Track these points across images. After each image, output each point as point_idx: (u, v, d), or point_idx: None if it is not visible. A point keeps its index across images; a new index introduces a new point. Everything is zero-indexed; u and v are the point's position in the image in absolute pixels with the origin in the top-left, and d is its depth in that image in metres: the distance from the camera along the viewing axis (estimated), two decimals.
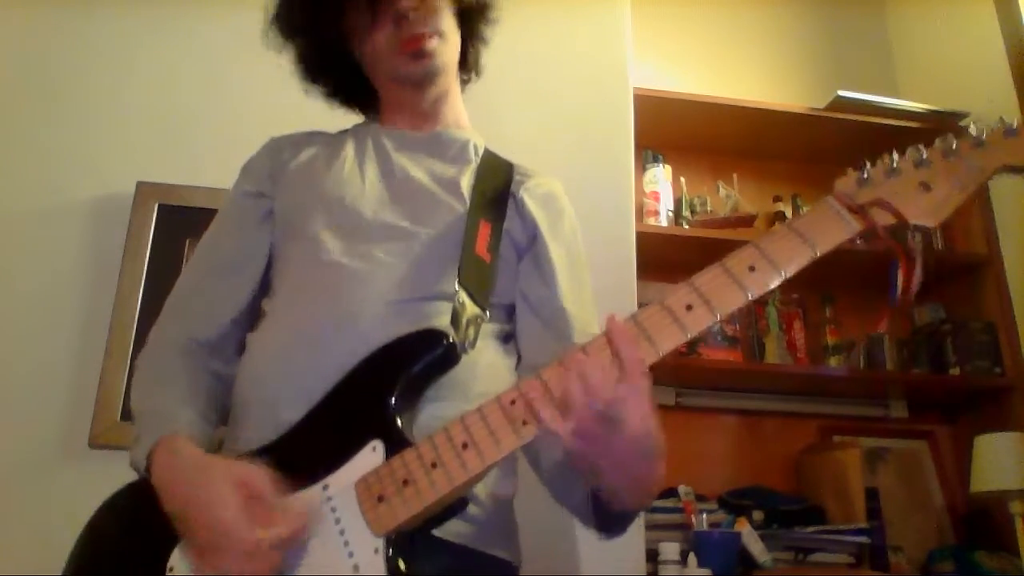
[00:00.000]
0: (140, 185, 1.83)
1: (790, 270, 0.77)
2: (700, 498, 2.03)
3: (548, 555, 1.61)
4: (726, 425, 2.35)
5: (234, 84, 1.95)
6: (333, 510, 0.80)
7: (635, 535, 1.72)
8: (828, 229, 0.78)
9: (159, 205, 1.83)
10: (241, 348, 1.03)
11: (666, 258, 2.31)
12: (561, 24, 2.16)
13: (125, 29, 2.00)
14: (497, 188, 1.09)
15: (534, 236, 1.08)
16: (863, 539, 1.97)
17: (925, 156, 0.79)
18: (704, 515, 1.95)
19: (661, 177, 2.36)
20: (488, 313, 0.99)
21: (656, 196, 2.33)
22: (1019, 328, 2.25)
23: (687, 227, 2.36)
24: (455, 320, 0.94)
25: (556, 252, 1.07)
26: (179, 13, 2.02)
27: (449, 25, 1.11)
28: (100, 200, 1.84)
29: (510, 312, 1.07)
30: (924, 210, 0.77)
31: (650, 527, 1.85)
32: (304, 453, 0.85)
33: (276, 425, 0.88)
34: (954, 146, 0.79)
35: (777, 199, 2.51)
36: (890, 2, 2.95)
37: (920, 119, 2.47)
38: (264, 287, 1.08)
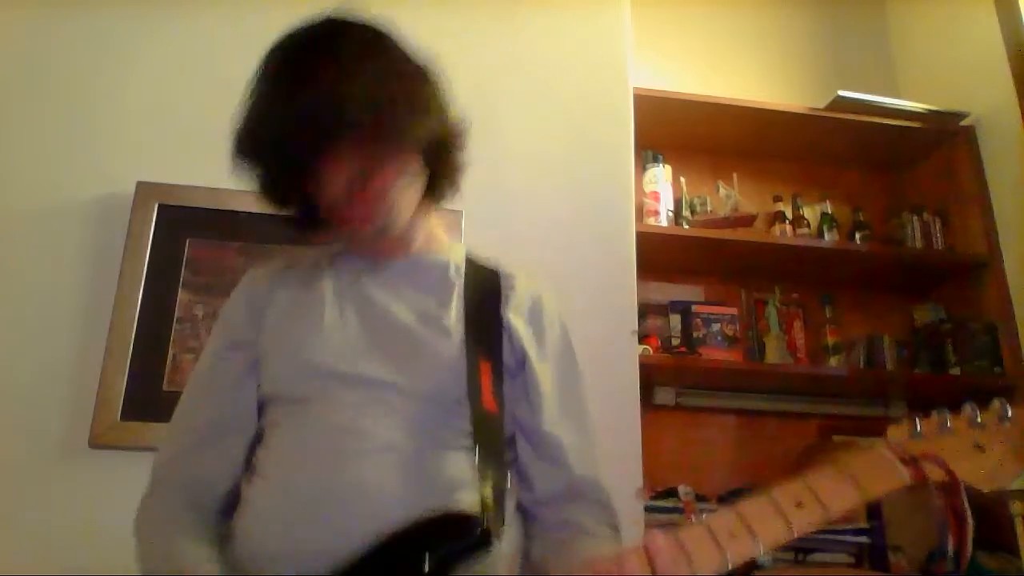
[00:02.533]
0: (140, 185, 1.83)
1: (836, 511, 0.77)
2: (700, 498, 2.03)
3: None
4: (726, 425, 2.35)
5: (235, 84, 1.94)
6: None
7: (635, 535, 1.72)
8: (880, 476, 0.78)
9: (159, 205, 1.83)
10: (238, 497, 0.99)
11: (666, 258, 2.32)
12: (561, 24, 2.16)
13: (125, 29, 2.00)
14: (487, 315, 1.04)
15: (523, 363, 1.04)
16: (863, 539, 1.97)
17: (980, 418, 0.80)
18: (704, 515, 1.94)
19: (661, 177, 2.36)
20: (509, 479, 0.96)
21: (656, 196, 2.33)
22: (1019, 328, 2.25)
23: (687, 227, 2.36)
24: (482, 499, 0.89)
25: (543, 374, 1.04)
26: (179, 13, 2.02)
27: (397, 190, 1.00)
28: (100, 200, 1.84)
29: (511, 442, 1.04)
30: (977, 472, 0.78)
31: (650, 527, 1.85)
32: None
33: None
34: (1009, 412, 0.80)
35: (777, 199, 2.51)
36: (890, 2, 2.95)
37: (920, 119, 2.48)
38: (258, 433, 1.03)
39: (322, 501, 0.88)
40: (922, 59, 2.77)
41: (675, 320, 2.34)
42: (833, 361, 2.37)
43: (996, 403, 0.80)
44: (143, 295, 1.76)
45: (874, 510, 2.08)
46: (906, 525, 2.19)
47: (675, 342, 2.29)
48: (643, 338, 2.17)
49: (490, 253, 1.16)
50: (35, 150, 1.87)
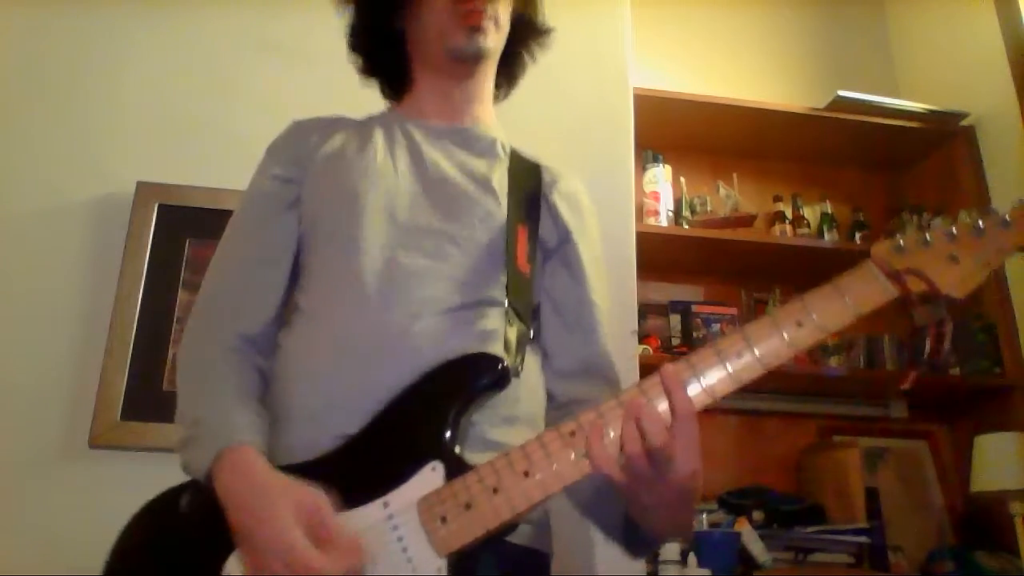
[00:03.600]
0: (140, 185, 1.83)
1: (831, 326, 0.83)
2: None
3: None
4: (726, 425, 2.35)
5: (234, 84, 1.95)
6: (395, 528, 0.81)
7: None
8: (867, 291, 0.84)
9: (159, 205, 1.83)
10: (276, 339, 1.02)
11: (666, 258, 2.32)
12: (561, 24, 2.16)
13: (125, 29, 2.00)
14: (529, 190, 1.09)
15: (566, 239, 1.10)
16: (863, 539, 1.97)
17: (955, 231, 0.85)
18: (704, 515, 1.95)
19: (661, 177, 2.36)
20: (532, 331, 1.01)
21: (656, 196, 2.33)
22: (1019, 328, 2.25)
23: (687, 227, 2.36)
24: (506, 342, 0.95)
25: (586, 254, 1.10)
26: (179, 13, 2.02)
27: (504, 17, 1.11)
28: (100, 200, 1.84)
29: (535, 312, 1.08)
30: (952, 282, 0.83)
31: None
32: (361, 468, 0.86)
33: (326, 437, 0.88)
34: (980, 224, 0.84)
35: (777, 199, 2.51)
36: (890, 2, 2.95)
37: (920, 119, 2.48)
38: (294, 275, 1.06)
39: (367, 349, 0.91)
40: (922, 59, 2.77)
41: (675, 320, 2.34)
42: (833, 361, 2.37)
43: (965, 215, 0.85)
44: (143, 295, 1.76)
45: (874, 510, 2.09)
46: (906, 525, 2.19)
47: (675, 342, 2.29)
48: (643, 338, 2.17)
49: None
50: (35, 150, 1.87)
